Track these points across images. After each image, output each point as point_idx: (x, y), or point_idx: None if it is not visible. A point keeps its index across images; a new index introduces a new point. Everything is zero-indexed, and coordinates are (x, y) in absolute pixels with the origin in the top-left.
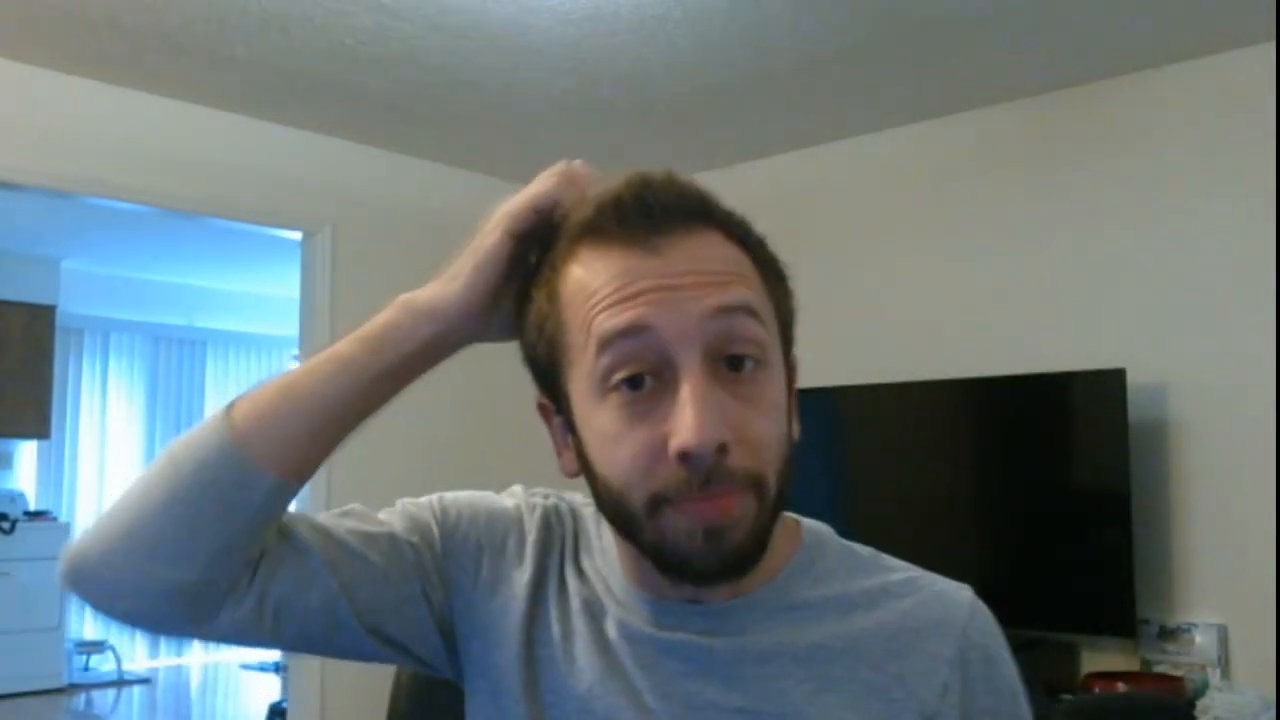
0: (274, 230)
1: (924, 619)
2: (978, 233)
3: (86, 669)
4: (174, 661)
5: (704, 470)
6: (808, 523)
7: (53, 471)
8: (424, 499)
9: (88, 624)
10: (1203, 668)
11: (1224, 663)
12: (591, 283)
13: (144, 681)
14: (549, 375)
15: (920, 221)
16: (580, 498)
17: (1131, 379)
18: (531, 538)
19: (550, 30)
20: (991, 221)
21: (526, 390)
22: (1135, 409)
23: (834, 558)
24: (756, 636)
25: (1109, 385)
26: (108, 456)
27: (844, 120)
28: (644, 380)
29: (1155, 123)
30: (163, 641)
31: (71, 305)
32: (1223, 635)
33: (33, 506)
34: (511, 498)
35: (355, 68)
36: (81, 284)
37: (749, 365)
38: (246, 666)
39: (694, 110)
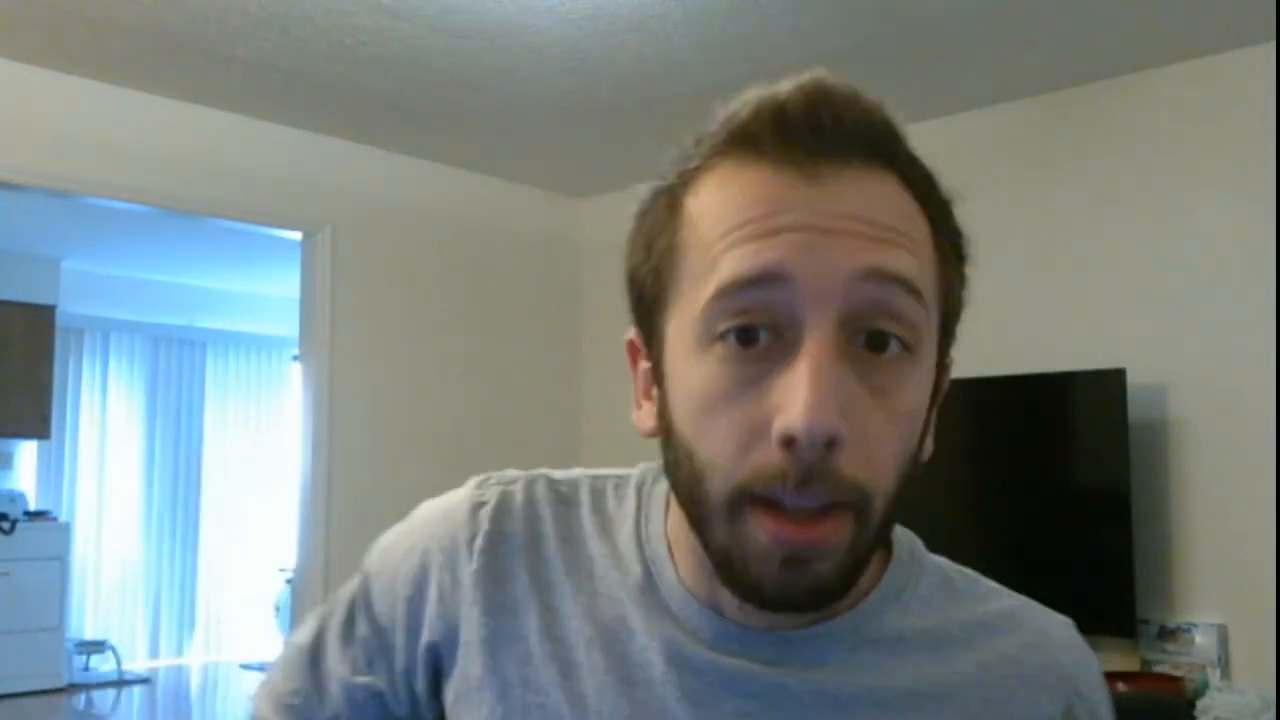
0: (274, 230)
1: (1029, 664)
2: (977, 233)
3: (86, 669)
4: (174, 661)
5: (806, 467)
6: (897, 531)
7: (53, 471)
8: (345, 597)
9: (88, 624)
10: (1203, 668)
11: (1224, 663)
12: (727, 204)
13: (144, 681)
14: (648, 305)
15: None
16: (579, 471)
17: (1131, 379)
18: (476, 565)
19: (550, 30)
20: (991, 221)
21: (528, 383)
22: (1135, 409)
23: (927, 580)
24: (837, 675)
25: (1109, 385)
26: (108, 456)
27: None
28: (759, 334)
29: (1155, 123)
30: (162, 641)
31: (71, 305)
32: (1223, 635)
33: (33, 506)
34: (439, 520)
35: (355, 68)
36: (81, 284)
37: (893, 348)
38: (246, 666)
39: (694, 110)
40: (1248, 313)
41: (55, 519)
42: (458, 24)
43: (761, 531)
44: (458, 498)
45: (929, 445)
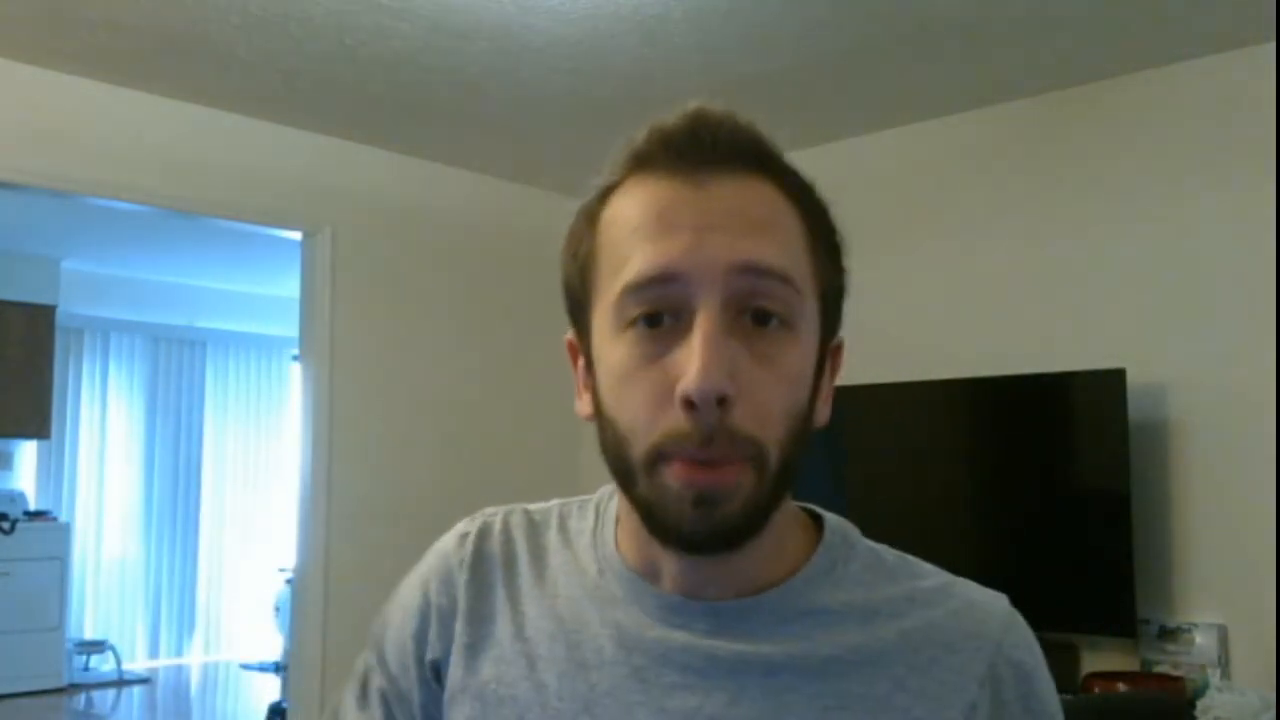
0: (274, 230)
1: (953, 631)
2: (977, 233)
3: (86, 669)
4: (174, 661)
5: (706, 424)
6: (831, 519)
7: (53, 471)
8: (358, 669)
9: (88, 624)
10: (1203, 668)
11: (1224, 663)
12: (630, 210)
13: (144, 681)
14: (578, 307)
15: (920, 221)
16: (554, 501)
17: (1131, 379)
18: (462, 579)
19: (550, 30)
20: (991, 222)
21: (527, 382)
22: (1135, 409)
23: (858, 560)
24: (766, 645)
25: (1109, 385)
26: (108, 456)
27: (844, 120)
28: (662, 319)
29: (1155, 123)
30: (162, 641)
31: (71, 305)
32: (1223, 635)
33: (33, 506)
34: (434, 555)
35: (355, 68)
36: (81, 284)
37: (773, 323)
38: (246, 666)
39: None
40: (1247, 313)
41: (55, 519)
42: (458, 24)
43: (674, 480)
44: (449, 534)
45: (824, 411)
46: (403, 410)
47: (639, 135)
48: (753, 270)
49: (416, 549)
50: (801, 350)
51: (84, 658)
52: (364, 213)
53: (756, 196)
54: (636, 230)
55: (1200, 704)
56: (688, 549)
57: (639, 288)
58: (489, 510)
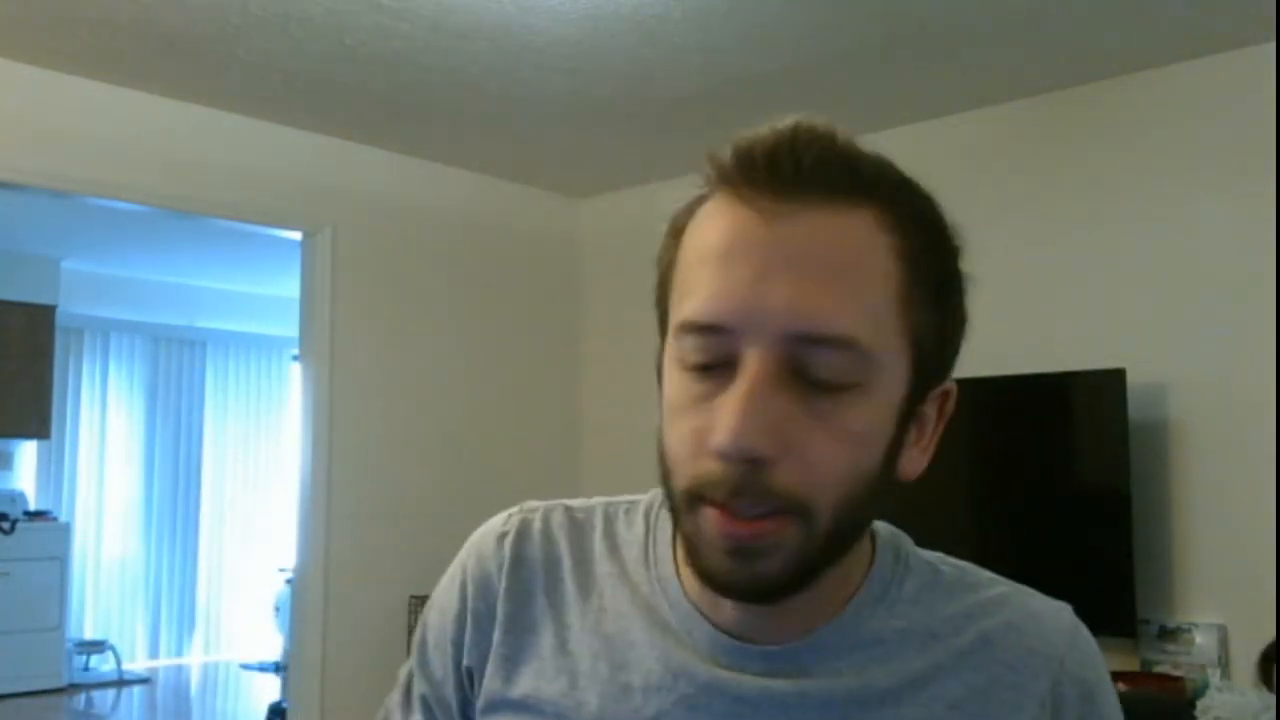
0: (274, 230)
1: (1014, 647)
2: (977, 233)
3: (86, 669)
4: (174, 661)
5: (736, 479)
6: (883, 533)
7: (53, 471)
8: (402, 675)
9: (88, 624)
10: (1203, 668)
11: (1224, 663)
12: (703, 236)
13: (144, 681)
14: (661, 316)
15: None
16: (596, 499)
17: (1131, 379)
18: (501, 586)
19: (550, 30)
20: (991, 222)
21: (528, 383)
22: (1135, 409)
23: (913, 579)
24: (823, 679)
25: (1109, 385)
26: (108, 457)
27: (844, 120)
28: (712, 364)
29: (1155, 123)
30: (162, 641)
31: (71, 305)
32: (1223, 635)
33: (33, 506)
34: (473, 554)
35: (355, 68)
36: (81, 284)
37: (833, 383)
38: (246, 666)
39: (694, 110)
40: (1247, 313)
41: (55, 519)
42: (458, 24)
43: (709, 525)
44: (487, 530)
45: (916, 462)
46: (403, 410)
47: (727, 146)
48: (808, 340)
49: (416, 549)
50: (873, 407)
51: (84, 658)
52: (364, 213)
53: (837, 234)
54: (704, 262)
55: (1200, 704)
56: (727, 595)
57: (692, 330)
58: (529, 505)
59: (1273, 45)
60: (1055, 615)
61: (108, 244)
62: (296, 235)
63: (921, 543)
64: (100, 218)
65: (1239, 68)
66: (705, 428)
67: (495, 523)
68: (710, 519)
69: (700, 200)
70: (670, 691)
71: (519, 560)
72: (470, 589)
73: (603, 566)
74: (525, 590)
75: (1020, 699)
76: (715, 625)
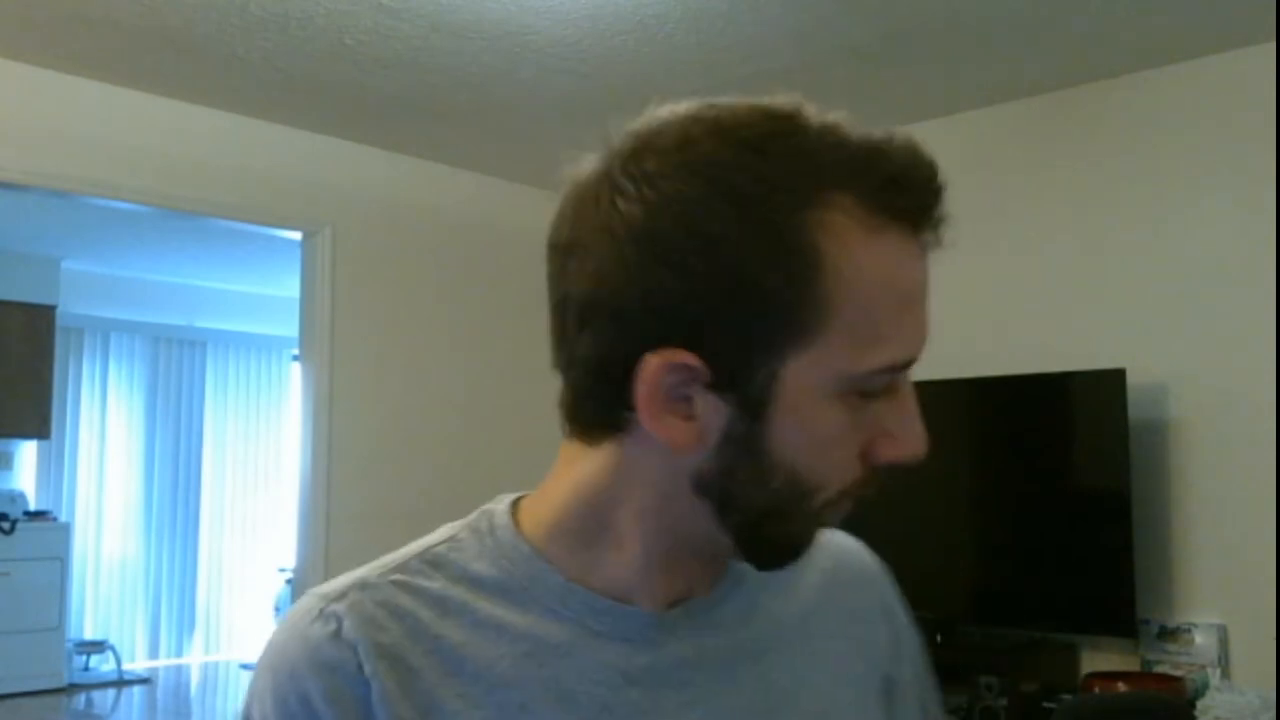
0: (274, 230)
1: (850, 575)
2: (977, 233)
3: (86, 669)
4: (174, 661)
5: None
6: None
7: (53, 471)
8: None
9: (88, 624)
10: (1203, 668)
11: (1224, 663)
12: (889, 278)
13: (144, 681)
14: (730, 334)
15: None
16: (400, 554)
17: (1131, 379)
18: (376, 692)
19: (550, 30)
20: (991, 222)
21: (527, 383)
22: (1135, 409)
23: None
24: (741, 630)
25: (1109, 385)
26: (108, 457)
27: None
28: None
29: (1155, 123)
30: (162, 641)
31: (71, 305)
32: (1223, 635)
33: (33, 506)
34: (304, 672)
35: (355, 68)
36: (81, 284)
37: None
38: (246, 666)
39: None
40: (1247, 313)
41: (55, 519)
42: (458, 24)
43: (836, 514)
44: (307, 642)
45: None
46: (403, 410)
47: (880, 152)
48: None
49: None
50: None
51: (84, 658)
52: (364, 213)
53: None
54: (892, 304)
55: (1200, 704)
56: (790, 562)
57: (892, 370)
58: (333, 591)
59: (1273, 45)
60: (854, 542)
61: (108, 244)
62: (296, 235)
63: (922, 542)
64: (100, 218)
65: (1239, 68)
66: (864, 440)
67: (311, 631)
68: (841, 508)
69: (812, 205)
70: (611, 681)
71: (376, 646)
72: (325, 710)
73: (474, 607)
74: (405, 669)
75: (872, 616)
76: (604, 597)
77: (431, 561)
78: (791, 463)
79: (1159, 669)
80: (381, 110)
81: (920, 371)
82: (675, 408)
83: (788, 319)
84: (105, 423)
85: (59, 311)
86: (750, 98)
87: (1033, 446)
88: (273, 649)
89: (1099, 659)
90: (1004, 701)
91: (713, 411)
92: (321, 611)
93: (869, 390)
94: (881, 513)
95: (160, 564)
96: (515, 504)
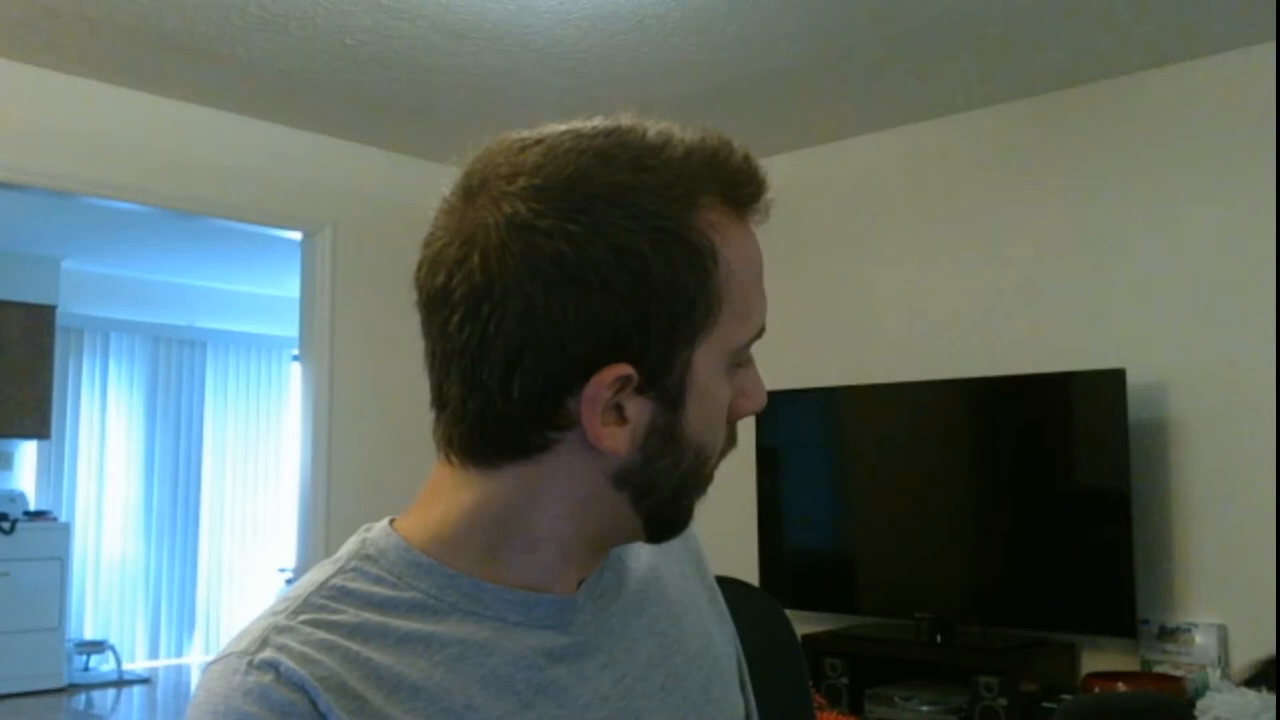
0: (274, 230)
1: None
2: (977, 233)
3: (86, 669)
4: (174, 661)
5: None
6: None
7: (53, 471)
8: None
9: (88, 624)
10: (1203, 668)
11: (1224, 663)
12: (749, 255)
13: (144, 681)
14: (653, 338)
15: (920, 222)
16: (302, 590)
17: (1131, 379)
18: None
19: (550, 30)
20: (991, 221)
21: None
22: (1135, 409)
23: None
24: (625, 596)
25: (1109, 385)
26: (108, 457)
27: (844, 120)
28: None
29: (1155, 123)
30: (162, 641)
31: (71, 305)
32: (1223, 635)
33: (33, 506)
34: None
35: (355, 68)
36: (81, 284)
37: None
38: None
39: (694, 110)
40: (1247, 313)
41: (55, 519)
42: (458, 24)
43: (711, 480)
44: (250, 695)
45: None
46: (403, 410)
47: (711, 157)
48: None
49: None
50: None
51: (84, 658)
52: (364, 213)
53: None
54: (754, 280)
55: (1200, 704)
56: (679, 534)
57: (758, 338)
58: (253, 637)
59: (1273, 45)
60: None
61: (108, 244)
62: (296, 235)
63: (922, 542)
64: (100, 218)
65: (1239, 68)
66: (737, 406)
67: (247, 685)
68: (713, 473)
69: (699, 206)
70: (527, 683)
71: (321, 680)
72: None
73: (398, 626)
74: (353, 697)
75: (693, 562)
76: (515, 588)
77: (333, 595)
78: (699, 440)
79: (1159, 669)
80: (381, 110)
81: (920, 371)
82: (610, 417)
83: (700, 312)
84: (105, 423)
85: (59, 311)
86: (586, 121)
87: (1033, 446)
88: (212, 717)
89: (1099, 659)
90: (1004, 701)
91: (642, 411)
92: (250, 664)
93: (743, 360)
94: (881, 511)
95: (160, 564)
96: (392, 524)
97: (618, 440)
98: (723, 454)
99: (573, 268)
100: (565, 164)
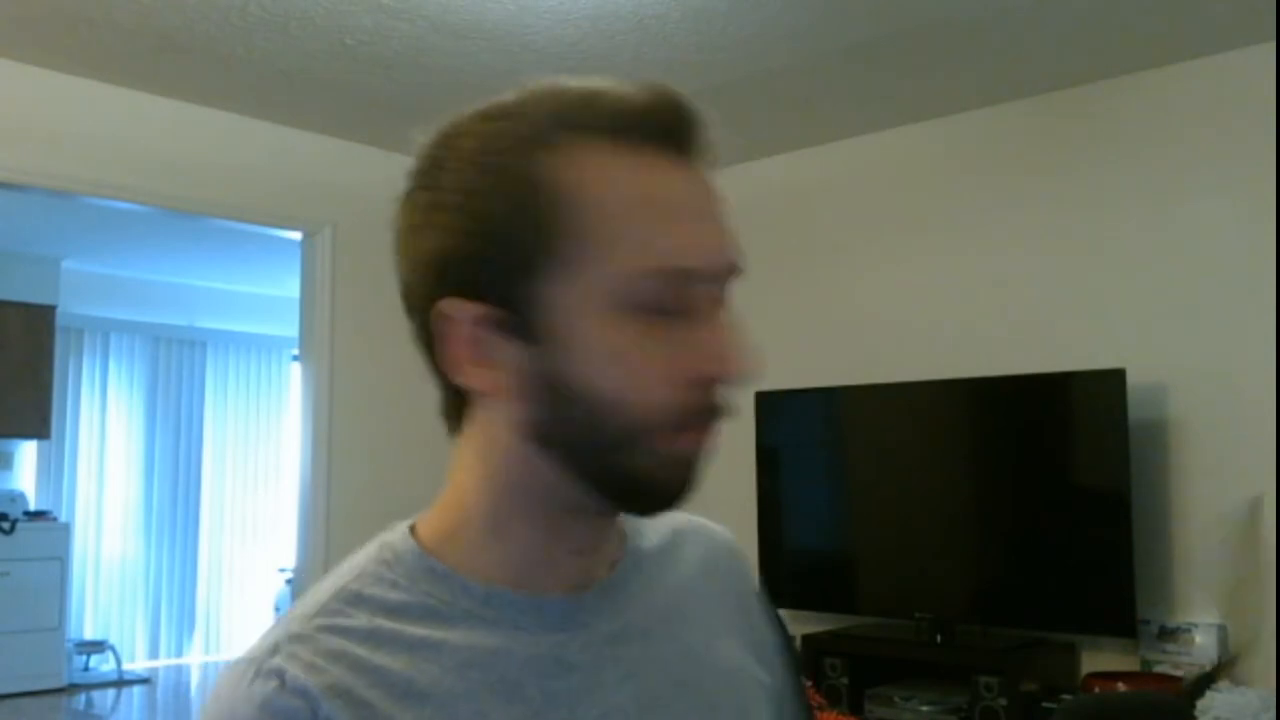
0: (274, 230)
1: (716, 551)
2: (978, 233)
3: (86, 669)
4: (174, 661)
5: (726, 400)
6: None
7: (53, 471)
8: None
9: (88, 624)
10: (1203, 668)
11: (1224, 663)
12: (622, 187)
13: (144, 681)
14: (504, 272)
15: (920, 222)
16: (314, 600)
17: (1131, 379)
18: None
19: (550, 30)
20: (991, 222)
21: None
22: (1135, 409)
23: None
24: (641, 610)
25: (1109, 385)
26: (108, 457)
27: (844, 120)
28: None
29: (1155, 123)
30: (162, 641)
31: (71, 305)
32: (1223, 635)
33: (33, 506)
34: None
35: (355, 68)
36: (81, 284)
37: None
38: None
39: None
40: (1247, 313)
41: (55, 519)
42: (458, 24)
43: (687, 445)
44: (253, 701)
45: None
46: (402, 410)
47: (591, 103)
48: (735, 272)
49: None
50: None
51: (84, 658)
52: (364, 213)
53: (715, 190)
54: (652, 216)
55: (1200, 704)
56: (667, 506)
57: (664, 275)
58: (263, 648)
59: (1273, 45)
60: (706, 522)
61: (108, 244)
62: (296, 235)
63: (922, 543)
64: (100, 218)
65: (1239, 68)
66: (678, 362)
67: (251, 693)
68: (690, 440)
69: (544, 147)
70: (532, 685)
71: (328, 688)
72: None
73: (407, 632)
74: (359, 703)
75: (742, 589)
76: (517, 592)
77: (349, 600)
78: (597, 388)
79: (1159, 669)
80: (381, 110)
81: (921, 371)
82: (478, 359)
83: (539, 249)
84: (105, 423)
85: (59, 311)
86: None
87: (1033, 446)
88: None
89: (1099, 659)
90: (1004, 701)
91: (508, 353)
92: (258, 671)
93: (662, 306)
94: (881, 511)
95: (160, 564)
96: (412, 528)
97: (485, 380)
98: (685, 421)
99: (421, 212)
100: (454, 122)
